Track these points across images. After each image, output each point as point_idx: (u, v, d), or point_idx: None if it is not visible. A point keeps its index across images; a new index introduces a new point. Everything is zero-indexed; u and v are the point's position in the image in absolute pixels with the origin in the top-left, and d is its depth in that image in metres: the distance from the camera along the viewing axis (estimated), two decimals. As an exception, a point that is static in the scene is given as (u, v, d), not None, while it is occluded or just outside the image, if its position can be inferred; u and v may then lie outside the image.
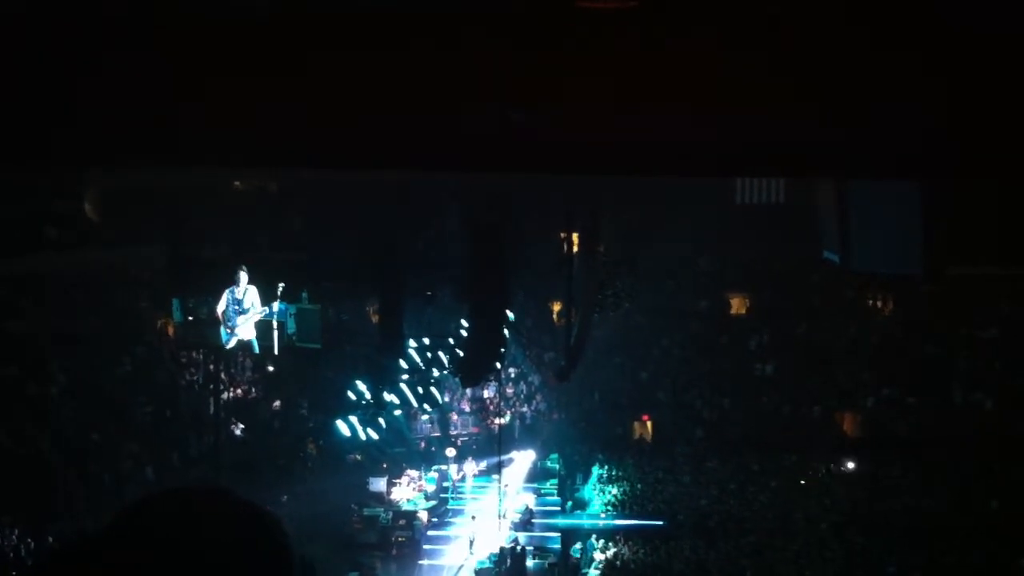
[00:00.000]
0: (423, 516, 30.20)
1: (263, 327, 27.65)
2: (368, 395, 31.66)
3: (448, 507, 31.55)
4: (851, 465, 29.79)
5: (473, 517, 29.71)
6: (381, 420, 31.75)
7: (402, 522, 29.77)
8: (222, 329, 28.52)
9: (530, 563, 27.71)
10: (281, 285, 27.98)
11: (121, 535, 2.03)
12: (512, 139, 6.39)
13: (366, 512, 29.91)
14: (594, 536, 28.72)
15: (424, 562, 28.56)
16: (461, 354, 32.10)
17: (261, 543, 2.14)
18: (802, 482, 29.52)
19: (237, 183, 32.68)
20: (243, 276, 27.64)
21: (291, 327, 28.21)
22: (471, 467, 32.84)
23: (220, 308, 27.52)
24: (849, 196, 31.75)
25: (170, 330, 30.46)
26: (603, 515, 29.65)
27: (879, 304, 35.07)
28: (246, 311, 27.98)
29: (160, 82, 6.05)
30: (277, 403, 33.55)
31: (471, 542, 28.93)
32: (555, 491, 31.82)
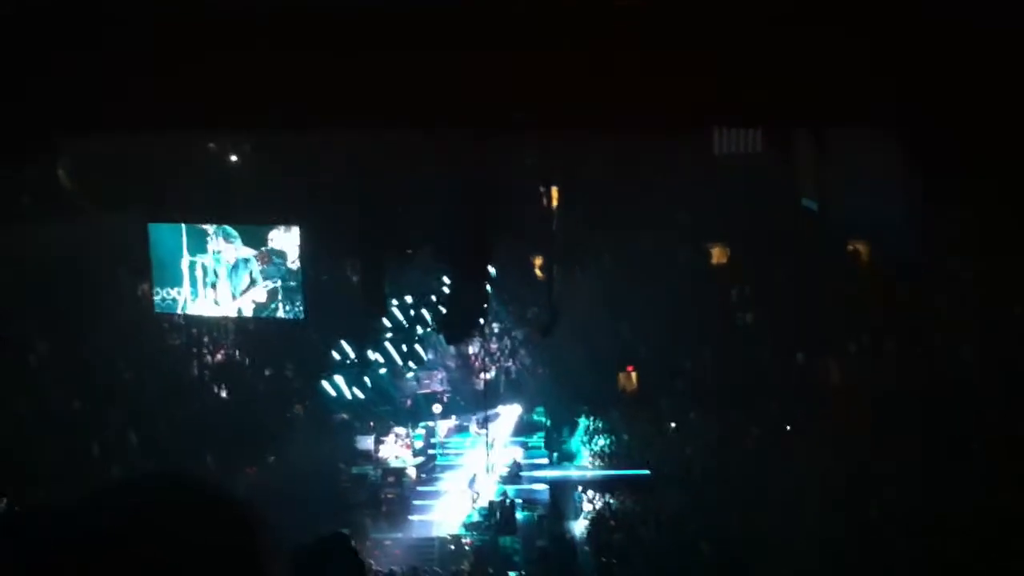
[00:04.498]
0: (412, 473, 30.40)
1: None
2: (352, 355, 31.81)
3: (436, 463, 31.73)
4: (833, 412, 30.03)
5: (475, 474, 29.82)
6: (366, 379, 31.93)
7: (391, 479, 29.96)
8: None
9: (519, 516, 27.98)
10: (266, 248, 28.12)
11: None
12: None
13: (355, 471, 30.09)
14: (581, 487, 29.01)
15: (414, 517, 28.78)
16: (444, 311, 32.23)
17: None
18: (787, 428, 29.81)
19: (211, 144, 32.43)
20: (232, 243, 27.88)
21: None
22: (447, 424, 33.01)
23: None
24: (827, 144, 31.84)
25: (150, 295, 30.35)
26: (590, 466, 29.93)
27: (859, 250, 35.23)
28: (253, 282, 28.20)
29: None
30: (268, 371, 33.57)
31: (475, 498, 29.09)
32: (542, 444, 32.04)
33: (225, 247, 28.98)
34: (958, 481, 25.70)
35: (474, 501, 29.05)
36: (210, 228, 29.12)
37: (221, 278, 29.10)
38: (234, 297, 28.88)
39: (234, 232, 28.91)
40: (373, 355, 32.01)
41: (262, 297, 28.97)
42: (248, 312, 29.52)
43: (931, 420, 27.89)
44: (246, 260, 28.89)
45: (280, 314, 29.27)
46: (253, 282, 29.05)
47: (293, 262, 28.71)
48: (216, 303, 29.45)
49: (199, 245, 29.01)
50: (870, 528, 24.70)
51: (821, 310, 32.81)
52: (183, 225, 29.03)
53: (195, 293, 29.39)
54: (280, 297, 28.94)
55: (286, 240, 28.73)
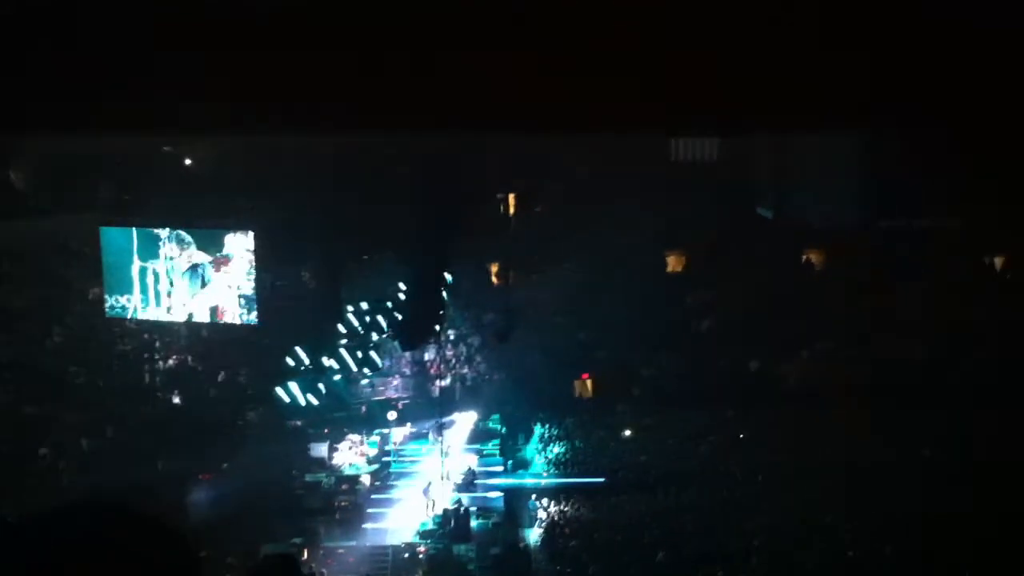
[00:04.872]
0: (366, 480, 30.19)
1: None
2: (307, 360, 31.55)
3: (390, 471, 31.54)
4: (788, 417, 30.23)
5: (430, 483, 29.67)
6: (320, 385, 31.67)
7: (345, 487, 29.72)
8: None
9: (474, 523, 27.87)
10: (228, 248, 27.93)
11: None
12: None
13: (308, 478, 29.82)
14: (536, 495, 28.95)
15: (368, 525, 28.56)
16: (400, 318, 32.08)
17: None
18: (740, 436, 29.97)
19: (167, 148, 32.18)
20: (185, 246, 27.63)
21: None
22: (402, 431, 32.84)
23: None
24: (784, 153, 32.17)
25: (102, 298, 30.00)
26: (545, 474, 29.89)
27: (812, 259, 35.58)
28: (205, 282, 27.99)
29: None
30: (221, 375, 33.21)
31: (431, 504, 28.96)
32: (497, 451, 31.96)
33: (178, 252, 28.68)
34: (918, 483, 25.99)
35: (429, 508, 28.92)
36: (163, 232, 28.83)
37: (174, 283, 28.82)
38: (185, 303, 28.63)
39: (188, 237, 28.63)
40: (328, 361, 31.76)
41: (215, 302, 28.71)
42: (201, 317, 29.24)
43: (891, 424, 28.19)
44: (199, 265, 28.61)
45: (234, 319, 29.02)
46: (205, 286, 28.77)
47: (248, 267, 28.47)
48: (168, 310, 29.13)
49: (151, 250, 28.68)
50: (828, 532, 24.89)
51: (777, 317, 33.07)
52: (134, 229, 28.70)
53: (146, 300, 29.06)
54: (234, 302, 28.68)
55: (240, 245, 28.47)
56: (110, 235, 28.90)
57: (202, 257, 28.54)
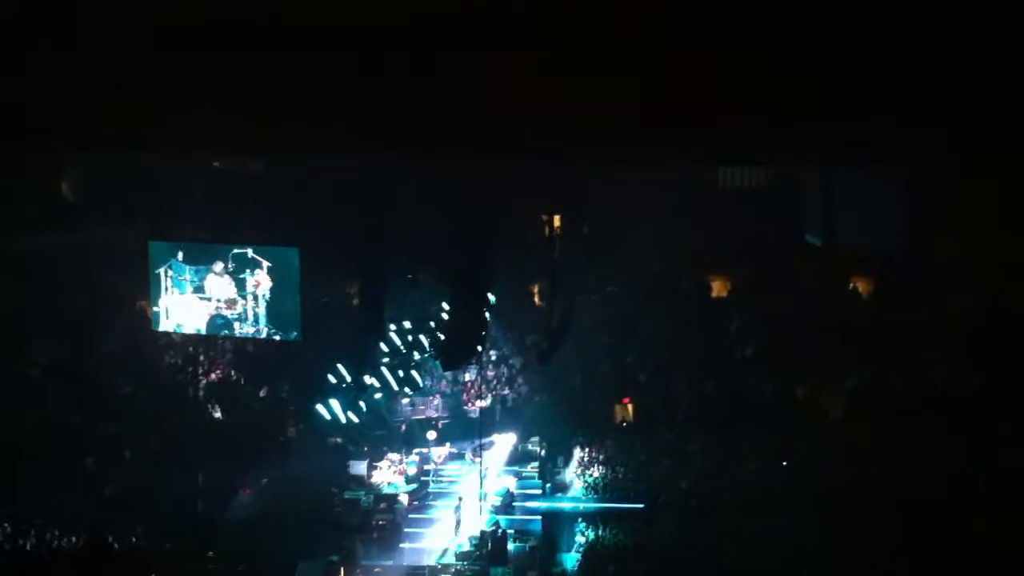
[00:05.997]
0: (404, 499, 30.14)
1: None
2: (349, 378, 31.67)
3: (429, 490, 31.48)
4: (833, 445, 29.82)
5: (460, 498, 29.66)
6: (362, 403, 31.75)
7: (383, 505, 29.68)
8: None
9: (511, 546, 27.69)
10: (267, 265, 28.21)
11: None
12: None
13: (347, 495, 29.83)
14: (574, 519, 28.73)
15: (405, 545, 28.49)
16: (442, 337, 32.09)
17: None
18: (784, 463, 29.57)
19: (216, 163, 32.59)
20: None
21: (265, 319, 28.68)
22: (441, 451, 32.82)
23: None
24: (832, 179, 31.89)
25: (149, 312, 30.31)
26: (584, 498, 29.66)
27: (860, 286, 35.16)
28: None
29: (161, 77, 5.98)
30: (263, 390, 33.42)
31: (458, 523, 28.90)
32: (536, 474, 31.80)
33: (221, 266, 28.93)
34: (960, 513, 25.52)
35: (457, 526, 28.83)
36: (207, 247, 29.13)
37: (214, 296, 29.11)
38: (226, 315, 28.90)
39: (231, 251, 28.85)
40: (369, 379, 31.83)
41: (257, 313, 28.96)
42: (245, 332, 29.48)
43: (934, 453, 27.71)
44: (243, 279, 28.83)
45: (276, 335, 29.23)
46: (252, 300, 28.98)
47: (292, 283, 28.63)
48: (212, 323, 29.41)
49: (194, 263, 29.04)
50: (876, 563, 24.48)
51: (823, 343, 32.67)
52: (179, 243, 29.08)
53: (183, 311, 29.44)
54: (276, 318, 28.86)
55: (285, 261, 28.66)
56: (158, 249, 29.26)
57: (246, 271, 28.81)
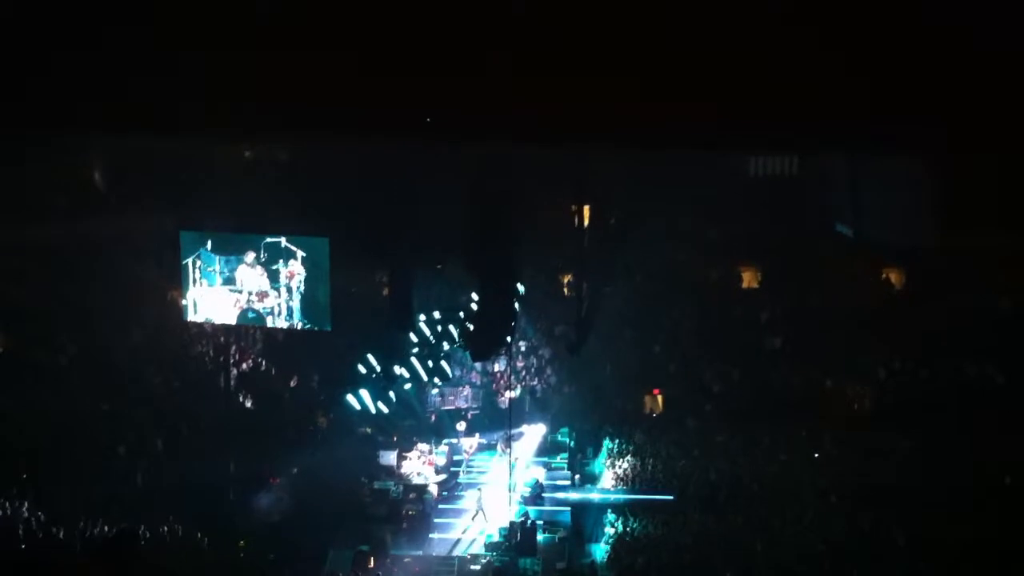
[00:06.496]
0: (433, 489, 30.18)
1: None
2: (378, 368, 31.72)
3: (458, 481, 31.53)
4: (861, 438, 29.64)
5: (479, 488, 29.69)
6: (391, 393, 31.80)
7: (412, 495, 29.73)
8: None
9: (540, 537, 27.69)
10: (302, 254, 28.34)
11: None
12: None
13: (376, 485, 29.90)
14: (604, 510, 28.67)
15: (434, 535, 28.54)
16: (472, 328, 32.09)
17: None
18: (815, 455, 29.42)
19: (248, 153, 32.73)
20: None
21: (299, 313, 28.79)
22: (470, 441, 32.83)
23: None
24: (863, 171, 31.67)
25: (179, 301, 30.44)
26: (613, 489, 29.61)
27: (890, 277, 34.89)
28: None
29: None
30: (294, 380, 33.54)
31: (482, 512, 28.91)
32: (565, 465, 31.77)
33: (252, 256, 29.00)
34: (987, 508, 25.33)
35: (477, 514, 28.85)
36: (237, 237, 29.20)
37: (244, 287, 29.18)
38: (257, 308, 28.96)
39: (261, 241, 28.91)
40: (399, 369, 31.87)
41: (287, 305, 29.05)
42: (277, 323, 29.57)
43: (961, 448, 27.48)
44: (276, 270, 28.90)
45: (308, 327, 29.29)
46: (280, 292, 29.06)
47: (323, 274, 28.68)
48: (245, 312, 29.50)
49: (224, 253, 29.09)
50: (902, 555, 24.33)
51: (852, 335, 32.45)
52: (209, 234, 29.15)
53: (212, 305, 29.52)
54: (309, 309, 28.93)
55: (316, 251, 28.70)
56: (188, 239, 29.34)
57: (277, 262, 28.88)
